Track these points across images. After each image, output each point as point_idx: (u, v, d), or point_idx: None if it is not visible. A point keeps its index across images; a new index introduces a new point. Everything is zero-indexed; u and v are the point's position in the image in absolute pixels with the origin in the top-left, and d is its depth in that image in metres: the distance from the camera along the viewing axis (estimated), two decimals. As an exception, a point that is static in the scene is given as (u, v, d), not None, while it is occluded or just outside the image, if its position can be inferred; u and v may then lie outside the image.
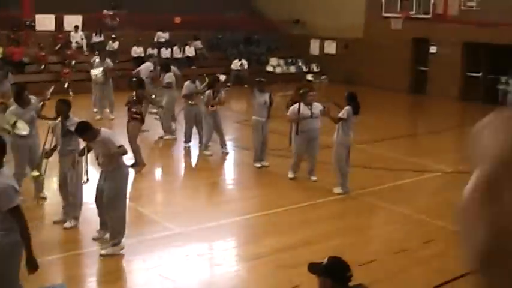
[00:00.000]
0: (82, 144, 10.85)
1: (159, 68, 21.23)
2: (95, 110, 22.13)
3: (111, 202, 9.99)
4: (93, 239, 10.44)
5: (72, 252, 10.30)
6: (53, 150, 11.27)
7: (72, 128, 10.51)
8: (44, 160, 11.39)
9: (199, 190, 14.47)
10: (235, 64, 32.04)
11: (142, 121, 15.51)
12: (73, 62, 28.44)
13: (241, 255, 10.41)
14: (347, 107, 13.15)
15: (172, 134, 18.78)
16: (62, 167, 11.20)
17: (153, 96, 18.58)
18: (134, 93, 15.39)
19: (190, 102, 17.37)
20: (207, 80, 17.61)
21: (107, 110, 21.93)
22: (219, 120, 16.95)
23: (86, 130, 9.99)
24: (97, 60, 22.67)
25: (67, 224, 10.97)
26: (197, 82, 17.64)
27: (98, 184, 10.26)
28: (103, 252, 9.98)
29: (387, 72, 31.85)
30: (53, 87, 14.35)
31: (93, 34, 30.79)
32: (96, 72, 21.71)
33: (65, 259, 10.01)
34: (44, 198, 12.37)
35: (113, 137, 10.01)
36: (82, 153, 10.74)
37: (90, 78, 22.71)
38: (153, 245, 10.47)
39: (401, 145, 19.85)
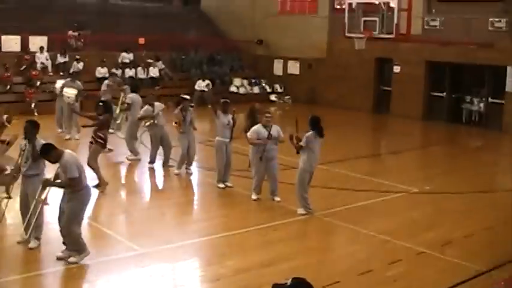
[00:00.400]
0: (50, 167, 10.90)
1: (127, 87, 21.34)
2: (60, 130, 22.22)
3: (69, 222, 10.14)
4: (58, 258, 10.45)
5: (35, 272, 10.27)
6: (18, 170, 11.29)
7: None
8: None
9: (163, 210, 14.52)
10: (199, 84, 32.16)
11: (104, 145, 15.73)
12: (38, 83, 28.37)
13: (204, 276, 10.50)
14: (309, 133, 13.33)
15: (136, 154, 18.86)
16: (25, 188, 11.17)
17: (118, 122, 18.77)
18: (101, 117, 15.51)
19: (147, 123, 17.83)
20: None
21: (75, 129, 21.92)
22: (193, 139, 17.23)
23: (49, 151, 10.09)
24: (62, 81, 22.77)
25: (31, 244, 10.96)
26: (156, 104, 17.83)
27: (60, 204, 10.37)
28: (71, 260, 10.27)
29: (351, 92, 32.25)
30: (6, 116, 14.26)
31: (58, 55, 30.76)
32: (71, 92, 21.73)
33: (28, 279, 9.97)
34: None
35: (72, 164, 10.03)
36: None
37: (55, 99, 22.82)
38: (117, 265, 10.58)
39: (364, 165, 20.04)
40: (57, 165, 10.21)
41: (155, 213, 14.20)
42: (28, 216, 10.93)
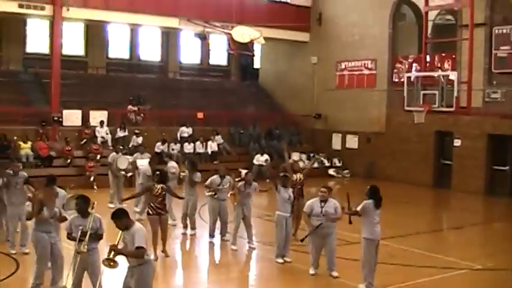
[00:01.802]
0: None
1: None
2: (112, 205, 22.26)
3: None
4: None
5: None
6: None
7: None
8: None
9: (222, 285, 14.33)
10: (257, 159, 32.21)
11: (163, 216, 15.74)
12: (98, 157, 28.73)
13: None
14: (365, 201, 13.06)
15: (193, 228, 18.75)
16: (83, 262, 11.05)
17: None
18: (159, 187, 15.56)
19: (215, 196, 17.56)
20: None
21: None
22: (249, 213, 17.05)
23: (121, 216, 10.04)
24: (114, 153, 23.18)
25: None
26: (226, 178, 17.73)
27: (124, 281, 10.25)
28: None
29: (410, 166, 31.91)
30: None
31: (118, 129, 31.23)
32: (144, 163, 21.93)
33: None
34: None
35: (142, 235, 9.94)
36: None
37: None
38: None
39: (425, 241, 19.57)
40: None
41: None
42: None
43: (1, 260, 15.12)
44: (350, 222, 13.23)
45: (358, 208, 12.95)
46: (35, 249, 12.28)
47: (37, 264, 12.18)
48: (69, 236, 11.01)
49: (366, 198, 13.08)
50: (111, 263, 9.90)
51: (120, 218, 10.03)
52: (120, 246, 9.98)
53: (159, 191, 15.59)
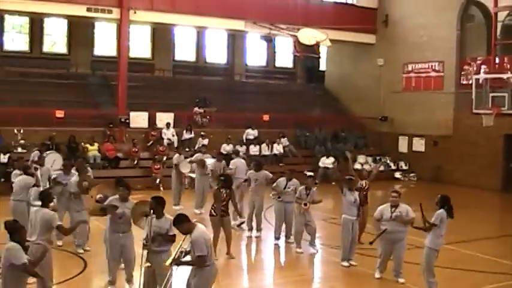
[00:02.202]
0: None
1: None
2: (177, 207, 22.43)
3: None
4: None
5: None
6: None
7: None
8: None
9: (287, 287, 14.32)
10: (323, 161, 32.10)
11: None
12: (164, 158, 29.00)
13: None
14: (439, 211, 12.78)
15: (259, 230, 18.76)
16: (151, 262, 11.16)
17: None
18: (225, 192, 15.64)
19: (279, 198, 17.52)
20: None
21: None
22: (310, 217, 16.93)
23: (182, 222, 10.05)
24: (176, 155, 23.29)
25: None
26: (293, 180, 17.68)
27: (188, 281, 10.28)
28: None
29: (477, 170, 31.35)
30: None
31: (184, 131, 31.47)
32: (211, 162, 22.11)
33: None
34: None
35: (201, 242, 9.88)
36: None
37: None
38: None
39: (493, 246, 19.19)
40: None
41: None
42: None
43: (69, 259, 15.40)
44: (426, 230, 12.93)
45: (433, 220, 12.68)
46: (106, 248, 12.48)
47: (108, 263, 12.37)
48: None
49: (437, 207, 12.80)
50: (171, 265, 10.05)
51: (181, 223, 10.06)
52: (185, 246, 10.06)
53: (225, 196, 15.68)
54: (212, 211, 15.81)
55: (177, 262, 10.09)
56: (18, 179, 16.56)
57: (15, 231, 9.10)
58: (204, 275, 10.01)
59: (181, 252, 10.17)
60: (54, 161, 21.13)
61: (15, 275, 8.91)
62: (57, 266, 14.32)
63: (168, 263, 10.03)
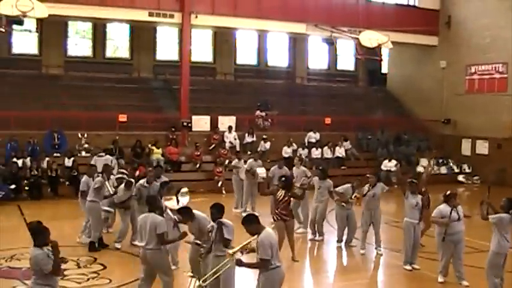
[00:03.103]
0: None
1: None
2: (239, 210, 22.51)
3: None
4: None
5: None
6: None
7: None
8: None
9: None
10: (385, 164, 31.82)
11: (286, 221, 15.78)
12: (226, 162, 29.11)
13: None
14: (503, 215, 12.53)
15: (321, 235, 18.71)
16: (207, 267, 11.16)
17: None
18: (283, 193, 15.62)
19: (343, 204, 17.44)
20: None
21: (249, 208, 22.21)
22: (378, 218, 16.90)
23: (252, 222, 10.04)
24: (250, 160, 23.16)
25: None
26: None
27: (257, 279, 10.19)
28: None
29: (544, 174, 30.70)
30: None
31: (246, 134, 31.55)
32: (261, 171, 22.17)
33: None
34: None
35: (266, 245, 9.83)
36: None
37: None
38: None
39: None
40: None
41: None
42: None
43: (136, 261, 15.57)
44: (484, 218, 12.76)
45: (491, 218, 12.46)
46: None
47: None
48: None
49: (501, 210, 12.57)
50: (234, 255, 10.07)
51: (250, 223, 10.03)
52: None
53: (282, 197, 15.64)
54: (274, 217, 15.85)
55: (239, 263, 10.11)
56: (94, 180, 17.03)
57: (40, 233, 9.15)
58: (270, 277, 9.94)
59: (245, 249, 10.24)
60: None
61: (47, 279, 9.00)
62: (123, 268, 14.68)
63: (232, 251, 10.07)
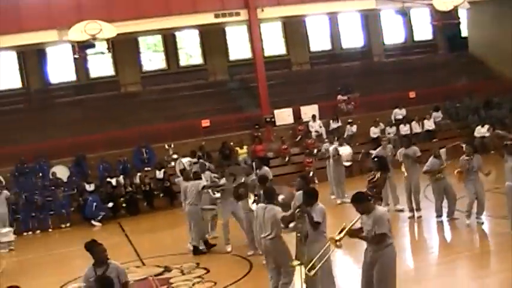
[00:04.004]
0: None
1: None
2: (333, 196, 22.22)
3: (382, 284, 9.77)
4: None
5: None
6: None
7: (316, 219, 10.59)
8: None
9: (457, 264, 13.90)
10: (478, 131, 30.80)
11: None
12: (315, 151, 28.83)
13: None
14: None
15: (419, 210, 18.17)
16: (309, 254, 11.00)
17: None
18: (374, 174, 15.25)
19: (435, 177, 16.87)
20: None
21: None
22: (481, 186, 16.33)
23: (362, 200, 9.94)
24: (334, 145, 22.82)
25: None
26: (442, 155, 17.08)
27: (364, 266, 10.07)
28: None
29: None
30: None
31: (331, 121, 31.17)
32: (345, 151, 21.81)
33: None
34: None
35: (385, 220, 9.76)
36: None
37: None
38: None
39: None
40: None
41: (447, 268, 13.54)
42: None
43: (237, 262, 15.70)
44: None
45: None
46: None
47: None
48: None
49: None
50: (337, 243, 9.84)
51: (360, 201, 9.92)
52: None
53: (375, 178, 15.28)
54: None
55: (353, 234, 10.00)
56: (189, 184, 17.36)
57: (93, 250, 9.74)
58: (386, 258, 9.77)
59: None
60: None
61: None
62: (226, 270, 14.70)
63: (338, 237, 9.86)
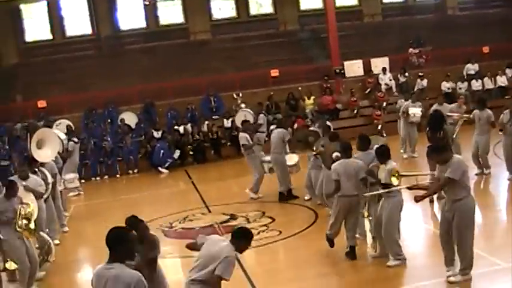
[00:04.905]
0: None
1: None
2: (401, 151, 21.99)
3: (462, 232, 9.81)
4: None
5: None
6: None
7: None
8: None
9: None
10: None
11: None
12: (384, 104, 28.56)
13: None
14: None
15: (488, 168, 17.84)
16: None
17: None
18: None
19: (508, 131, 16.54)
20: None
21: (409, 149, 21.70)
22: None
23: (441, 151, 9.97)
24: (406, 102, 22.42)
25: (390, 263, 11.03)
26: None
27: (442, 215, 10.13)
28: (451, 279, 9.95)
29: None
30: None
31: (398, 75, 30.75)
32: (416, 111, 21.45)
33: None
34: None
35: (459, 167, 9.73)
36: None
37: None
38: (478, 281, 10.01)
39: None
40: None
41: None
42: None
43: (302, 212, 15.88)
44: None
45: None
46: None
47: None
48: None
49: None
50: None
51: (438, 152, 9.98)
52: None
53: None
54: None
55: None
56: (274, 132, 17.73)
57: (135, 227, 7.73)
58: (464, 209, 9.74)
59: None
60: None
61: None
62: (291, 220, 14.69)
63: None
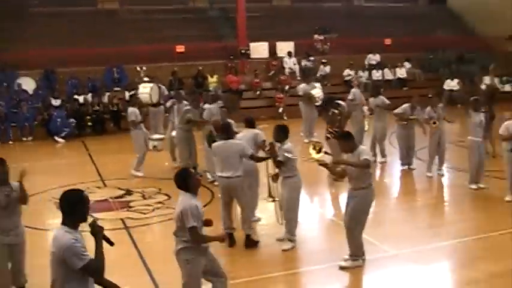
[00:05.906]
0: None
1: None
2: (302, 134, 22.36)
3: (353, 220, 10.13)
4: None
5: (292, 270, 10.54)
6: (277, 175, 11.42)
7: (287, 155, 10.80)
8: (273, 184, 11.88)
9: (414, 212, 14.16)
10: (448, 84, 31.18)
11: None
12: (286, 87, 28.94)
13: (456, 279, 10.06)
14: None
15: (384, 156, 18.50)
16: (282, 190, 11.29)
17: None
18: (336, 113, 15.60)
19: (403, 122, 17.18)
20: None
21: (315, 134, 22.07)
22: (443, 138, 16.57)
23: (348, 139, 10.13)
24: (302, 85, 22.97)
25: (284, 246, 11.21)
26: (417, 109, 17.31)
27: (347, 201, 10.30)
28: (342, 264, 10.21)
29: None
30: None
31: (302, 59, 31.21)
32: (317, 92, 21.93)
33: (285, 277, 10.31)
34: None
35: (368, 153, 10.06)
36: None
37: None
38: (369, 267, 10.34)
39: None
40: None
41: (406, 215, 13.90)
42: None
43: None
44: None
45: None
46: None
47: None
48: None
49: None
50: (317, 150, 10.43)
51: (347, 140, 10.09)
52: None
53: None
54: (328, 135, 15.74)
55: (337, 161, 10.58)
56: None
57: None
58: (364, 198, 10.06)
59: None
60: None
61: None
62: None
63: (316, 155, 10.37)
